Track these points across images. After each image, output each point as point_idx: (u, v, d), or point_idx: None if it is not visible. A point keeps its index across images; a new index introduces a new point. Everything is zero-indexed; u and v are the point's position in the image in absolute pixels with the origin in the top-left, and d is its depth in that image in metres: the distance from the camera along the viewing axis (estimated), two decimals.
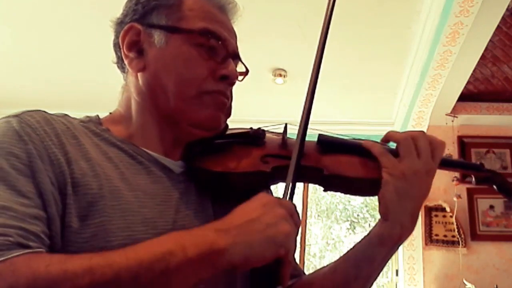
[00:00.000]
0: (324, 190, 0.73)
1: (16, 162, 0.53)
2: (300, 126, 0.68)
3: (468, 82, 3.01)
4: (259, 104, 3.59)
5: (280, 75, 3.21)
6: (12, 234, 0.48)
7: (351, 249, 0.77)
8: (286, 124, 0.79)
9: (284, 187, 0.62)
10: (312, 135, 0.79)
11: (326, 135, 0.77)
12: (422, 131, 0.73)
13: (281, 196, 0.62)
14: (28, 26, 2.80)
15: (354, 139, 0.80)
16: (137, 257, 0.48)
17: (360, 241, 0.76)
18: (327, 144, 0.76)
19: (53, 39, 2.93)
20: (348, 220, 5.11)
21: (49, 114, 0.63)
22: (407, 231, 0.70)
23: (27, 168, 0.54)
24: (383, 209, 0.70)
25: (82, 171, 0.58)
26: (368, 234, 0.75)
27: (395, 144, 0.73)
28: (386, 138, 0.74)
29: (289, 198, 0.61)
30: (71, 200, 0.55)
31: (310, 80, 0.71)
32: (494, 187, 0.84)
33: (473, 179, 0.85)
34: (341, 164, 0.73)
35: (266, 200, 0.57)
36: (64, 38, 2.91)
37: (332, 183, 0.72)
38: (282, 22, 2.67)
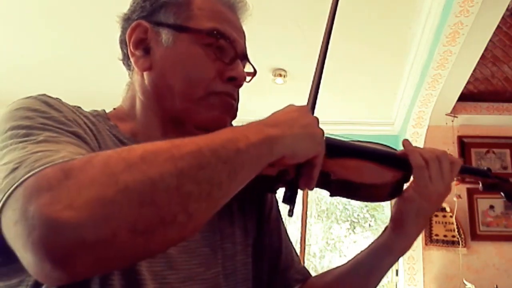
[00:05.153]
0: (331, 195, 0.72)
1: (57, 118, 0.53)
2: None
3: (468, 82, 3.01)
4: (259, 104, 3.58)
5: (280, 75, 3.21)
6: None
7: (357, 258, 0.77)
8: None
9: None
10: None
11: (333, 138, 0.75)
12: (445, 151, 0.75)
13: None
14: (27, 25, 2.80)
15: (359, 141, 0.79)
16: (213, 137, 0.48)
17: (366, 251, 0.77)
18: (335, 147, 0.74)
19: (52, 39, 2.93)
20: (348, 220, 5.11)
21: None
22: (414, 242, 0.74)
23: (69, 124, 0.53)
24: (398, 222, 0.73)
25: None
26: (374, 245, 0.76)
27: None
28: (415, 153, 0.73)
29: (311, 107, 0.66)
30: None
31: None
32: (502, 194, 0.83)
33: (480, 185, 0.84)
34: (349, 169, 0.71)
35: (299, 107, 0.62)
36: (63, 38, 2.91)
37: (339, 188, 0.70)
38: (282, 22, 2.67)
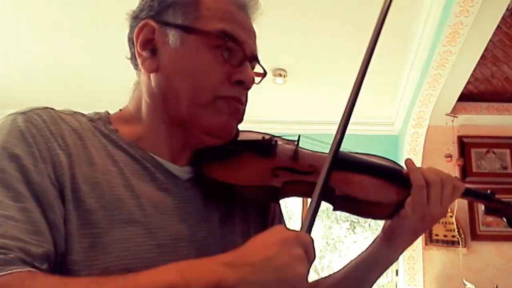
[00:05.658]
0: (334, 210, 0.70)
1: (18, 165, 0.52)
2: (328, 155, 0.63)
3: (468, 82, 3.01)
4: (259, 104, 3.58)
5: (280, 75, 3.21)
6: (12, 247, 0.46)
7: (348, 268, 0.78)
8: (299, 136, 0.77)
9: (301, 218, 0.59)
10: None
11: (340, 151, 0.71)
12: (450, 175, 0.74)
13: (299, 225, 0.58)
14: (27, 23, 2.80)
15: (363, 154, 0.78)
16: (140, 285, 0.45)
17: (356, 261, 0.77)
18: (341, 161, 0.70)
19: (53, 37, 2.92)
20: (348, 220, 5.11)
21: (57, 112, 0.61)
22: (400, 255, 0.76)
23: (29, 172, 0.52)
24: (389, 235, 0.74)
25: (84, 177, 0.56)
26: (363, 255, 0.77)
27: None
28: (417, 172, 0.71)
29: (307, 230, 0.56)
30: (70, 206, 0.54)
31: (348, 101, 0.67)
32: (504, 219, 0.82)
33: (483, 208, 0.83)
34: (354, 184, 0.70)
35: (284, 236, 0.52)
36: (64, 36, 2.91)
37: (342, 203, 0.69)
38: (282, 22, 2.67)
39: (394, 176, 0.74)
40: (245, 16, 0.70)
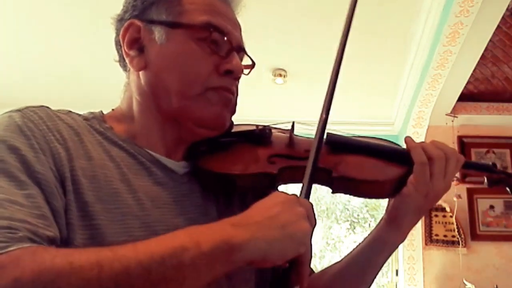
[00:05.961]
0: (333, 192, 0.71)
1: (18, 156, 0.53)
2: (318, 126, 0.65)
3: (468, 82, 3.01)
4: (259, 104, 3.58)
5: (280, 75, 3.21)
6: (20, 228, 0.47)
7: (353, 253, 0.77)
8: (293, 122, 0.77)
9: (301, 185, 0.61)
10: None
11: (335, 134, 0.74)
12: (455, 150, 0.74)
13: (298, 195, 0.60)
14: (27, 23, 2.80)
15: (361, 137, 0.78)
16: (148, 251, 0.45)
17: (361, 246, 0.77)
18: (336, 144, 0.73)
19: (53, 37, 2.92)
20: (348, 220, 5.11)
21: (53, 110, 0.62)
22: (406, 236, 0.74)
23: (30, 162, 0.53)
24: (393, 215, 0.73)
25: (82, 170, 0.57)
26: (369, 238, 0.76)
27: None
28: (417, 149, 0.71)
29: (305, 197, 0.58)
30: (71, 196, 0.54)
31: (330, 81, 0.71)
32: (508, 189, 0.81)
33: (485, 180, 0.82)
34: (351, 165, 0.71)
35: (285, 198, 0.55)
36: (64, 36, 2.91)
37: (341, 185, 0.70)
38: (282, 22, 2.67)
39: (393, 155, 0.74)
40: (228, 8, 0.71)
